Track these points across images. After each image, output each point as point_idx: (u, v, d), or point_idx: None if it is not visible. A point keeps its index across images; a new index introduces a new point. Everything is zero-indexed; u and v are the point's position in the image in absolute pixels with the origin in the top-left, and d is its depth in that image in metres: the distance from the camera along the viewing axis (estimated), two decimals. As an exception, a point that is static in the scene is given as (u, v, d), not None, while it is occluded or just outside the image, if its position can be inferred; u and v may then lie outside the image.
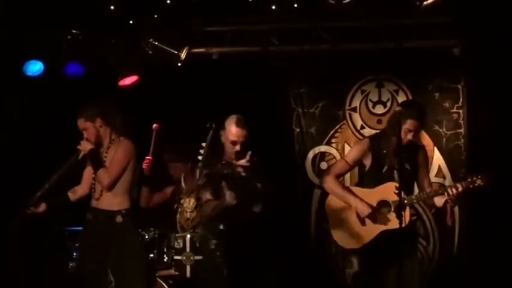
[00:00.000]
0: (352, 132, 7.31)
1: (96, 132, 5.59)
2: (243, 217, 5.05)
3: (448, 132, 7.12)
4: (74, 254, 6.25)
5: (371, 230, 5.14)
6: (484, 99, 6.92)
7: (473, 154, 6.99)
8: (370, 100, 7.30)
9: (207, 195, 5.26)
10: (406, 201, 4.85)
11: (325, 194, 5.62)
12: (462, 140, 7.09)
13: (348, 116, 7.34)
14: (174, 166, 6.57)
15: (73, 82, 7.09)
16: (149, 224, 6.29)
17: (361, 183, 5.37)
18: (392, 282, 5.01)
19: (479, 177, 4.94)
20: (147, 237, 6.23)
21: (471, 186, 4.97)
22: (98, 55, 6.95)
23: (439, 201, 5.13)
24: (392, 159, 5.06)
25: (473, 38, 6.67)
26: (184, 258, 6.07)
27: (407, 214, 4.86)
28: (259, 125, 5.71)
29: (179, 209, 6.46)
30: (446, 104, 7.14)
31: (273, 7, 6.38)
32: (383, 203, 5.14)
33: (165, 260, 6.21)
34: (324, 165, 7.25)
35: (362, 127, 7.29)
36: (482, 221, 6.81)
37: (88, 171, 5.76)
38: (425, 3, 6.08)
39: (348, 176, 6.73)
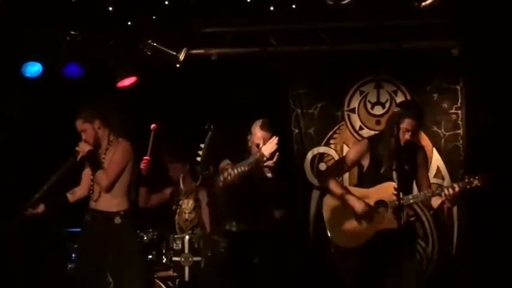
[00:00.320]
0: (351, 133, 7.31)
1: (94, 133, 5.59)
2: (264, 221, 5.09)
3: (447, 133, 7.12)
4: (73, 255, 6.26)
5: (368, 230, 5.16)
6: (482, 100, 6.92)
7: (471, 155, 6.99)
8: (369, 101, 7.30)
9: (205, 197, 5.28)
10: (402, 202, 4.85)
11: (323, 195, 5.63)
12: (461, 141, 7.09)
13: (346, 117, 7.34)
14: (173, 167, 6.59)
15: (72, 83, 7.09)
16: (148, 225, 6.30)
17: (359, 184, 5.38)
18: (391, 283, 5.02)
19: (477, 177, 4.95)
20: (145, 238, 6.25)
21: (468, 186, 4.97)
22: (97, 56, 6.94)
23: (435, 201, 5.14)
24: (391, 159, 5.07)
25: (472, 39, 6.66)
26: (182, 259, 6.08)
27: (404, 214, 4.87)
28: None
29: (178, 210, 6.48)
30: (445, 105, 7.14)
31: (272, 8, 6.38)
32: (380, 203, 5.16)
33: (164, 261, 6.23)
34: (322, 166, 7.24)
35: (361, 128, 7.29)
36: (480, 221, 6.81)
37: (87, 173, 5.76)
38: (424, 4, 6.07)
39: (346, 176, 6.76)
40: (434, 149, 7.07)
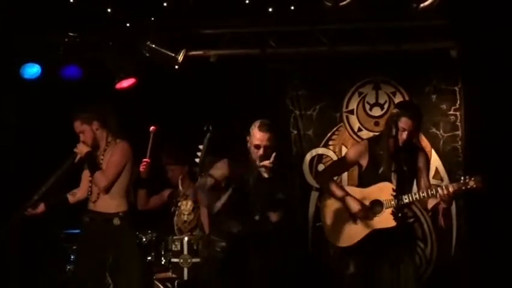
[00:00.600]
0: (350, 134, 7.31)
1: (92, 134, 5.59)
2: (260, 225, 5.07)
3: (445, 135, 7.12)
4: (72, 257, 6.26)
5: (364, 229, 5.17)
6: (481, 102, 6.92)
7: (470, 156, 6.99)
8: (368, 102, 7.30)
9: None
10: (399, 202, 4.86)
11: (322, 196, 5.63)
12: (459, 142, 7.09)
13: (345, 118, 7.34)
14: (172, 169, 6.58)
15: (70, 85, 7.09)
16: (147, 227, 6.30)
17: (359, 184, 5.39)
18: (390, 283, 5.01)
19: (472, 179, 4.94)
20: (144, 239, 6.25)
21: (463, 188, 4.96)
22: (96, 58, 6.94)
23: (431, 202, 5.14)
24: (390, 160, 5.07)
25: (471, 40, 6.66)
26: (181, 260, 6.08)
27: (400, 214, 4.88)
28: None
29: (176, 212, 6.48)
30: (444, 106, 7.14)
31: (270, 9, 6.38)
32: (376, 203, 5.17)
33: (163, 262, 6.23)
34: (321, 168, 7.24)
35: (359, 129, 7.29)
36: (479, 223, 6.82)
37: (86, 174, 5.76)
38: (422, 5, 6.08)
39: (345, 177, 6.77)
40: (432, 151, 7.07)
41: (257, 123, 5.13)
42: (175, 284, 6.14)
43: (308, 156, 7.37)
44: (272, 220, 5.08)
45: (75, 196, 5.81)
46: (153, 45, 6.79)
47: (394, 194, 4.86)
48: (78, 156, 5.58)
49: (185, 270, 6.07)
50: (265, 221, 5.07)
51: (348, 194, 5.24)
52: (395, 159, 4.93)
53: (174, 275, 6.14)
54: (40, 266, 7.01)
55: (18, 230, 6.66)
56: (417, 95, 7.10)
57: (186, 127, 6.76)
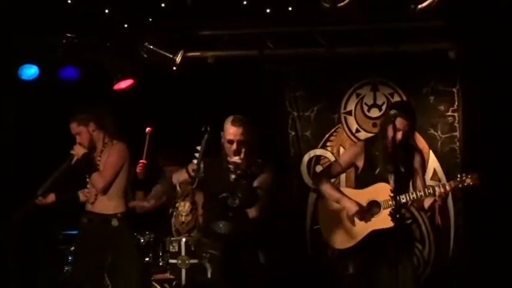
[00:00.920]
0: (348, 135, 7.31)
1: (89, 136, 5.57)
2: (238, 222, 5.01)
3: (443, 136, 7.12)
4: (70, 258, 6.26)
5: (361, 230, 5.16)
6: (479, 103, 6.93)
7: (468, 157, 6.99)
8: (365, 103, 7.30)
9: (201, 199, 5.23)
10: (395, 202, 4.85)
11: (320, 197, 5.63)
12: (457, 143, 7.09)
13: (343, 119, 7.34)
14: (170, 170, 6.57)
15: (68, 86, 7.09)
16: (145, 228, 6.30)
17: (356, 186, 5.38)
18: (387, 284, 5.01)
19: (469, 176, 4.94)
20: (142, 241, 6.25)
21: (460, 185, 4.96)
22: (93, 59, 6.94)
23: (427, 202, 5.13)
24: (386, 161, 5.07)
25: (468, 41, 6.67)
26: (179, 261, 6.09)
27: (398, 214, 4.88)
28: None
29: (174, 213, 6.48)
30: (442, 107, 7.14)
31: (268, 10, 6.38)
32: (373, 203, 5.16)
33: (161, 263, 6.23)
34: (319, 169, 7.23)
35: (357, 130, 7.29)
36: (477, 224, 6.82)
37: None
38: (420, 6, 6.08)
39: (343, 179, 6.77)
40: (430, 152, 7.08)
41: (230, 118, 5.06)
42: (173, 285, 6.14)
43: (306, 158, 7.38)
44: (250, 216, 5.02)
45: (85, 196, 5.79)
46: (151, 47, 6.80)
47: (392, 194, 4.86)
48: (75, 158, 5.57)
49: (183, 271, 6.08)
50: (242, 218, 4.99)
51: (344, 195, 5.24)
52: (392, 160, 4.92)
53: (172, 276, 6.14)
54: (39, 266, 7.01)
55: (18, 230, 6.67)
56: (415, 96, 7.10)
57: (183, 128, 6.76)
